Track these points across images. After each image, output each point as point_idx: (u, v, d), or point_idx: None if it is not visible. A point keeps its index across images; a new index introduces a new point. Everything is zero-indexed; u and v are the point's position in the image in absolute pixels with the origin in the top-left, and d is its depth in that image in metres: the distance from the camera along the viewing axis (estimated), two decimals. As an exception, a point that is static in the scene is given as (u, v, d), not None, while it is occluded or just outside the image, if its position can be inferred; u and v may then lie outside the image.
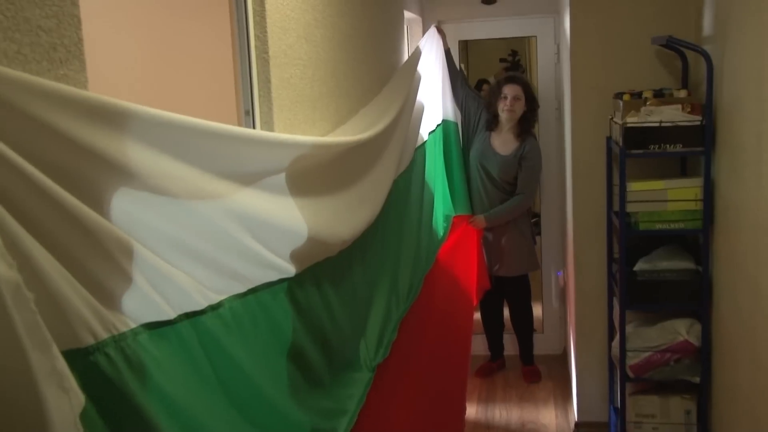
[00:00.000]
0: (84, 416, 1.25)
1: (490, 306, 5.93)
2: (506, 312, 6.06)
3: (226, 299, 1.86)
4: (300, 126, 2.73)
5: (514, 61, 8.03)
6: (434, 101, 5.04)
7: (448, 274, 4.66)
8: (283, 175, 2.14)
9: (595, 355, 4.98)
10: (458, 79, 5.56)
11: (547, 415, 5.37)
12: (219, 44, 2.41)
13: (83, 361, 1.34)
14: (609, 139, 4.63)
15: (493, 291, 5.58)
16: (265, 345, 2.08)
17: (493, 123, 5.51)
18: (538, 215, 6.38)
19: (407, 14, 5.46)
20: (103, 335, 1.39)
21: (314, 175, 2.39)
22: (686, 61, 4.42)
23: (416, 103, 4.38)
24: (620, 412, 4.46)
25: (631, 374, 4.30)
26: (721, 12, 3.84)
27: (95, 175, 1.40)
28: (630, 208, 4.15)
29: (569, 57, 4.83)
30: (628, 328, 4.33)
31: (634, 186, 4.14)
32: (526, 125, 5.47)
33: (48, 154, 1.28)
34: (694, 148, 4.01)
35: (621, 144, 4.12)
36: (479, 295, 5.24)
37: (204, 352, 1.76)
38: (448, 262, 4.70)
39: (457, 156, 5.40)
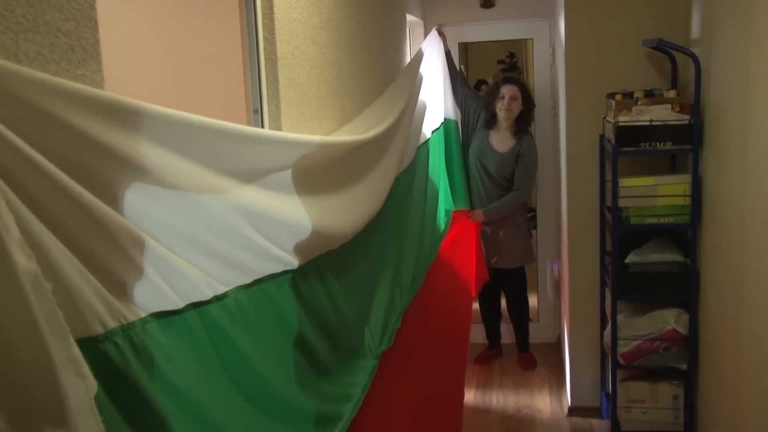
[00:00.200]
0: (97, 401, 1.25)
1: (488, 296, 5.94)
2: (503, 302, 6.06)
3: (231, 290, 1.86)
4: (306, 124, 2.73)
5: (512, 63, 8.02)
6: (436, 101, 5.04)
7: (449, 267, 4.66)
8: (289, 172, 2.14)
9: (587, 344, 4.99)
10: (458, 80, 5.56)
11: (542, 400, 5.37)
12: (229, 46, 2.41)
13: (93, 349, 1.34)
14: (602, 137, 4.63)
15: (491, 282, 5.58)
16: (270, 334, 2.07)
17: (491, 122, 5.51)
18: (534, 210, 6.38)
19: (409, 17, 5.46)
20: (112, 324, 1.39)
21: (319, 172, 2.39)
22: (675, 62, 4.42)
23: (418, 103, 4.37)
24: (611, 398, 4.47)
25: (622, 361, 4.31)
26: (708, 16, 3.84)
27: (109, 171, 1.41)
28: (622, 203, 4.16)
29: (564, 59, 4.83)
30: (620, 318, 4.33)
31: (625, 182, 4.14)
32: (522, 124, 5.47)
33: (65, 151, 1.29)
34: (682, 145, 4.01)
35: (613, 142, 4.12)
36: (478, 286, 5.23)
37: (210, 340, 1.76)
38: (449, 255, 4.71)
39: (457, 153, 5.39)
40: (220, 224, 1.79)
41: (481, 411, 5.24)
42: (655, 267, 4.22)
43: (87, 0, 1.48)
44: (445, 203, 5.08)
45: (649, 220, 4.15)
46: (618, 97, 4.22)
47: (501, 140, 5.47)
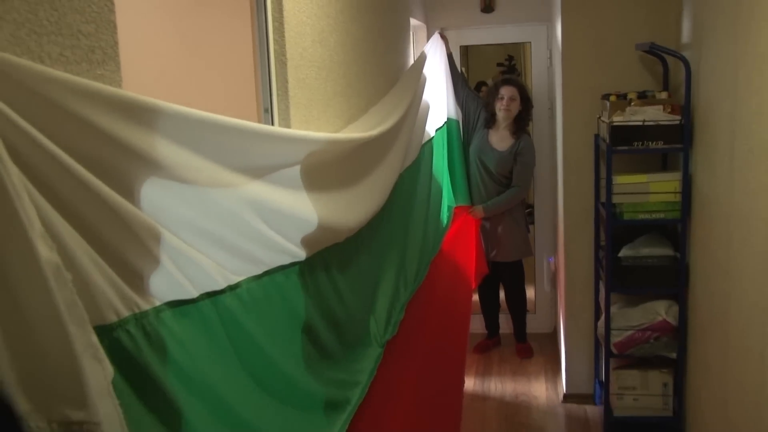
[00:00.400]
0: (113, 385, 1.26)
1: (487, 288, 5.94)
2: (502, 294, 6.06)
3: (243, 280, 1.86)
4: (314, 123, 2.73)
5: (510, 65, 8.02)
6: (439, 101, 5.03)
7: (450, 260, 4.66)
8: (297, 168, 2.14)
9: (582, 334, 4.99)
10: (459, 81, 5.55)
11: (538, 387, 5.37)
12: (241, 48, 2.42)
13: (108, 336, 1.35)
14: (597, 136, 4.63)
15: (490, 275, 5.59)
16: (280, 322, 2.08)
17: (490, 121, 5.51)
18: (531, 206, 6.38)
19: (413, 21, 5.45)
20: (125, 313, 1.39)
21: (326, 168, 2.39)
22: (667, 65, 4.42)
23: (422, 103, 4.37)
24: (604, 385, 4.48)
25: (614, 351, 4.31)
26: (699, 21, 3.84)
27: (127, 166, 1.41)
28: (615, 199, 4.16)
29: (561, 61, 4.83)
30: (613, 309, 4.34)
31: (619, 179, 4.14)
32: (521, 123, 5.47)
33: (85, 147, 1.29)
34: (673, 145, 4.01)
35: (608, 141, 4.12)
36: (478, 279, 5.24)
37: (224, 328, 1.76)
38: (450, 248, 4.71)
39: (459, 151, 5.39)
40: (232, 217, 1.79)
41: (480, 398, 5.25)
42: (647, 261, 4.22)
43: (107, 4, 1.48)
44: (447, 199, 5.08)
45: (641, 216, 4.15)
46: (612, 98, 4.22)
47: (500, 139, 5.47)
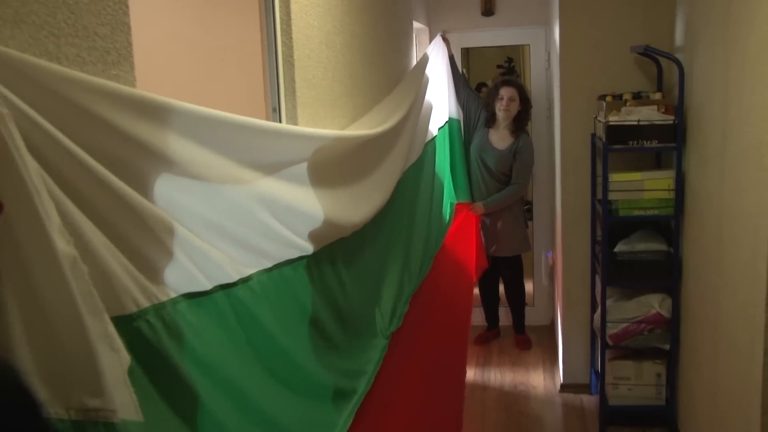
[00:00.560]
0: (130, 374, 1.27)
1: (487, 282, 5.93)
2: (501, 288, 6.06)
3: (255, 273, 1.87)
4: (321, 121, 2.73)
5: (510, 67, 8.00)
6: (441, 101, 5.03)
7: (452, 255, 4.66)
8: (305, 165, 2.14)
9: (579, 326, 4.99)
10: (461, 82, 5.54)
11: (537, 378, 5.38)
12: (250, 50, 2.42)
13: (127, 326, 1.35)
14: (593, 135, 4.62)
15: (490, 269, 5.58)
16: (289, 313, 2.08)
17: (491, 121, 5.50)
18: (530, 203, 6.37)
19: (416, 24, 5.45)
20: (145, 304, 1.40)
21: (332, 165, 2.39)
22: (661, 67, 4.41)
23: (425, 103, 4.37)
24: (600, 375, 4.48)
25: (610, 342, 4.31)
26: (691, 25, 3.83)
27: (141, 163, 1.42)
28: (611, 196, 4.16)
29: (558, 63, 4.82)
30: (609, 302, 4.34)
31: (615, 177, 4.14)
32: (520, 123, 5.46)
33: (101, 144, 1.30)
34: (667, 144, 4.01)
35: (604, 140, 4.11)
36: (478, 273, 5.23)
37: (236, 318, 1.77)
38: (452, 244, 4.71)
39: (460, 150, 5.38)
40: (243, 213, 1.80)
41: (480, 387, 5.25)
42: (642, 255, 4.22)
43: (121, 7, 1.49)
44: (449, 196, 5.08)
45: (636, 212, 4.15)
46: (608, 98, 4.22)
47: (500, 138, 5.46)
